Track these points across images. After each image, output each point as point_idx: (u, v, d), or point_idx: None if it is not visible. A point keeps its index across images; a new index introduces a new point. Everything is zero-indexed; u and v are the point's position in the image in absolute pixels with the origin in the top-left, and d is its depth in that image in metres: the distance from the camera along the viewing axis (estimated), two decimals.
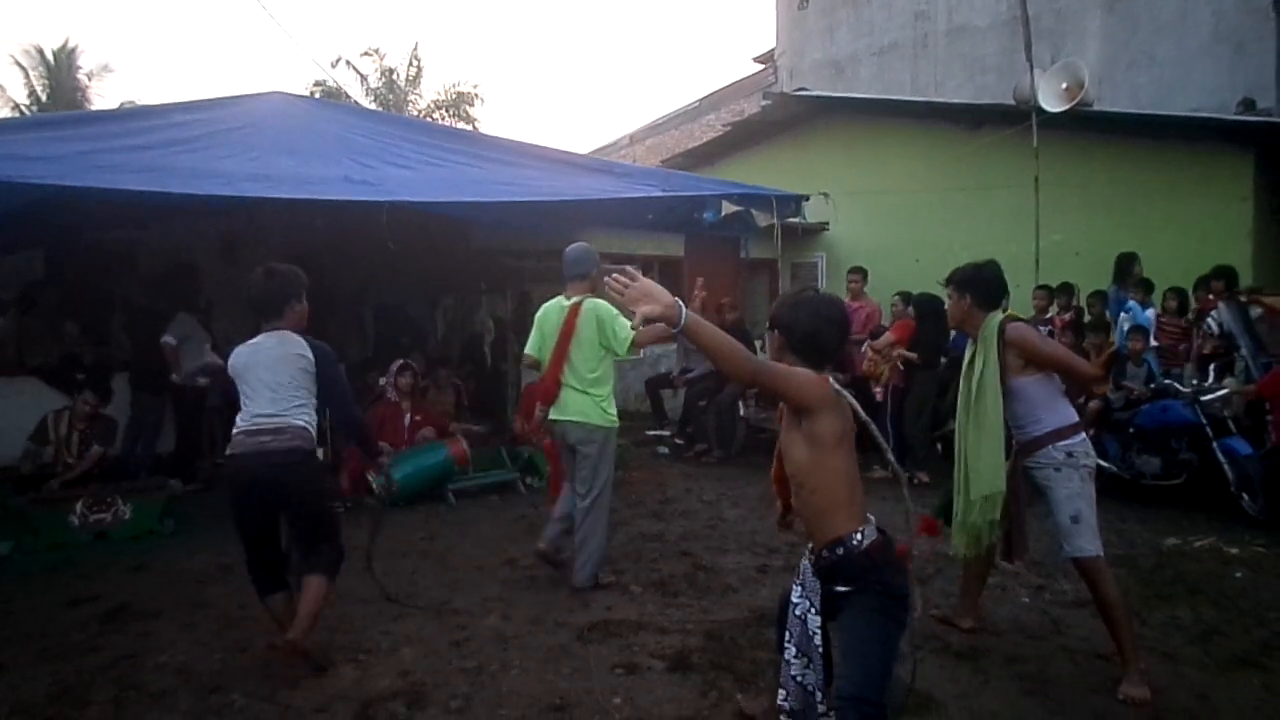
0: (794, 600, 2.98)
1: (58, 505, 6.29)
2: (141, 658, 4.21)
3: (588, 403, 5.08)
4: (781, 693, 3.10)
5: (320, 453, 4.33)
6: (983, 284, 4.16)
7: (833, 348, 2.79)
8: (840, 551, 2.70)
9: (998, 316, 4.10)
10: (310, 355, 4.10)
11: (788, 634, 3.04)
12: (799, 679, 3.01)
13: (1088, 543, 3.86)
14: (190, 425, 7.97)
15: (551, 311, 5.33)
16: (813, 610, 2.88)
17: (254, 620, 4.67)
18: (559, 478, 5.50)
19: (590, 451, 5.07)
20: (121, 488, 6.49)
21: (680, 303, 2.38)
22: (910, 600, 2.73)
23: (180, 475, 7.48)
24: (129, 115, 7.78)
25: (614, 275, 2.40)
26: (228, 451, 4.09)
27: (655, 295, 2.36)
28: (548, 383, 5.17)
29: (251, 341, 4.15)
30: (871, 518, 2.76)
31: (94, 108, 21.69)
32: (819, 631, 2.86)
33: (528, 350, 5.41)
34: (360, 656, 4.21)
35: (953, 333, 8.99)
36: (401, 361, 8.07)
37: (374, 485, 7.17)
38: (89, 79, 25.02)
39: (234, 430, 4.07)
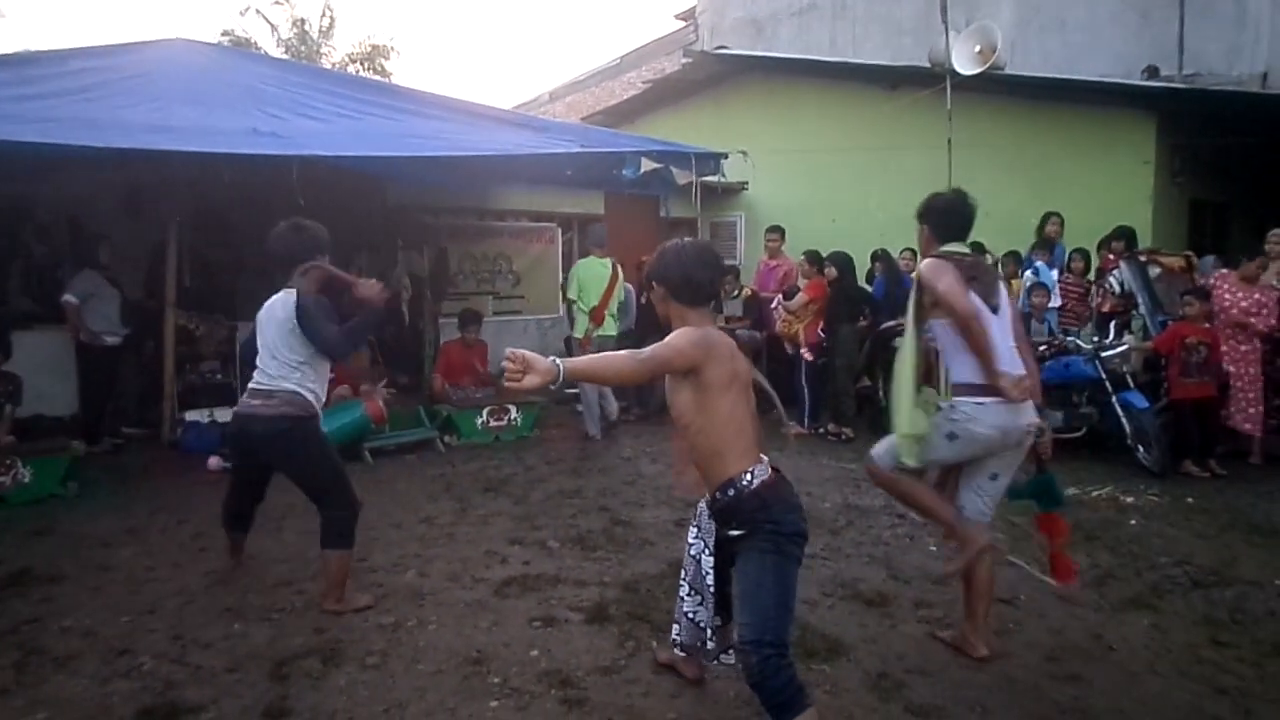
0: (690, 540, 3.10)
1: None
2: (45, 622, 4.08)
3: (615, 323, 8.48)
4: (675, 628, 3.23)
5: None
6: (934, 213, 3.90)
7: (709, 283, 2.88)
8: (731, 493, 2.77)
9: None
10: (292, 313, 4.14)
11: (683, 572, 3.15)
12: (691, 615, 3.16)
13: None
14: (96, 385, 7.70)
15: (595, 266, 8.33)
16: (707, 551, 3.00)
17: (160, 582, 4.59)
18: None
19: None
20: (21, 449, 6.22)
21: (557, 360, 2.48)
22: (804, 534, 2.81)
23: (84, 436, 7.18)
24: (21, 62, 7.38)
25: (503, 365, 2.50)
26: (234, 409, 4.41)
27: (534, 365, 2.45)
28: (600, 313, 8.25)
29: (272, 299, 4.31)
30: (764, 457, 2.83)
31: None
32: (712, 571, 2.98)
33: (571, 295, 8.34)
34: (274, 615, 4.15)
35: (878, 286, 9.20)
36: None
37: None
38: None
39: None
